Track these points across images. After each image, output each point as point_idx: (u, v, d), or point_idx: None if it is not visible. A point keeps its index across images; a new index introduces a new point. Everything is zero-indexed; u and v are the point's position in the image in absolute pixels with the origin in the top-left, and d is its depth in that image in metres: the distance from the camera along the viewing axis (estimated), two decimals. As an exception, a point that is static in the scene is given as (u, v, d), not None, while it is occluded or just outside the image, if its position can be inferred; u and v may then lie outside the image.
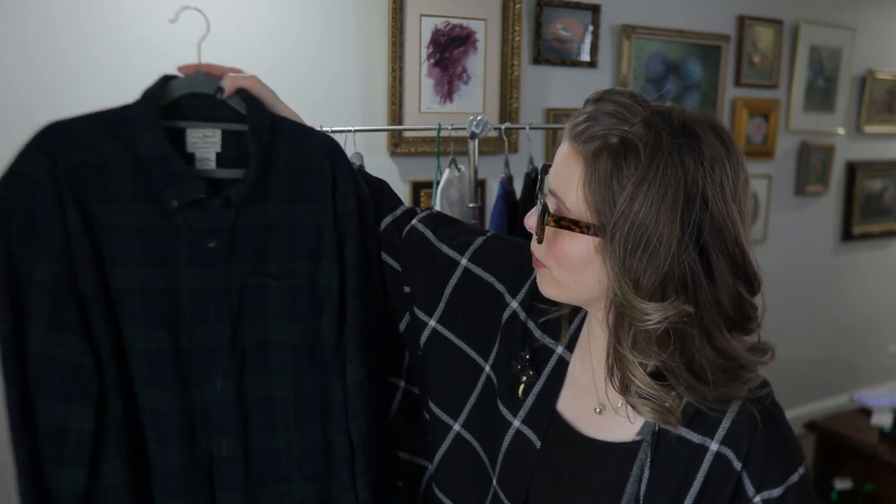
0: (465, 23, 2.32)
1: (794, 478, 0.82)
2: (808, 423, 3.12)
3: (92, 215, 0.94)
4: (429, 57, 2.27)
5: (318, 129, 1.08)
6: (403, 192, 2.31)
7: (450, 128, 1.85)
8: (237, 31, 2.00)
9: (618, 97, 0.80)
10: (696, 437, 0.84)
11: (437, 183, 1.85)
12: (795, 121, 3.24)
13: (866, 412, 3.09)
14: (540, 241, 0.83)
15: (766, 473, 0.82)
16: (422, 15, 2.23)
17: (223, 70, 1.02)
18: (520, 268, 1.00)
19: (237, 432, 1.00)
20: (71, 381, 0.92)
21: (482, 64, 2.37)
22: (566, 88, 2.59)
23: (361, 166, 1.72)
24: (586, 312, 0.94)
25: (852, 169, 3.49)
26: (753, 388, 0.83)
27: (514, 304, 0.99)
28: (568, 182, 0.81)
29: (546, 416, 0.92)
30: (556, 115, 2.55)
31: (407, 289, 1.06)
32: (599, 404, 0.90)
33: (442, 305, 1.03)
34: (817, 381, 3.59)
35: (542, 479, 0.91)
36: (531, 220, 0.86)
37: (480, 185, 2.33)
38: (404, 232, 1.07)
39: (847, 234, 3.54)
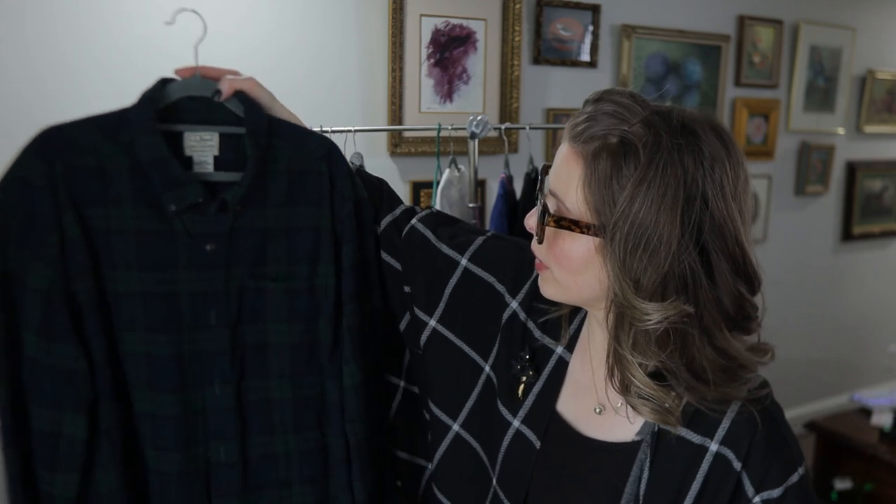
0: (465, 23, 2.31)
1: (794, 478, 0.82)
2: (808, 423, 3.11)
3: (91, 219, 0.94)
4: (429, 57, 2.27)
5: (318, 129, 1.09)
6: (403, 192, 2.30)
7: (450, 128, 1.85)
8: (237, 31, 2.00)
9: (617, 97, 0.80)
10: (695, 438, 0.84)
11: (437, 183, 1.85)
12: (795, 121, 3.24)
13: (866, 412, 3.09)
14: (540, 242, 0.83)
15: (766, 473, 0.82)
16: (422, 15, 2.23)
17: (220, 72, 1.02)
18: (520, 268, 1.00)
19: (236, 436, 1.00)
20: (64, 388, 0.92)
21: (482, 64, 2.37)
22: (566, 88, 2.58)
23: (361, 166, 1.72)
24: (586, 312, 0.94)
25: (852, 169, 3.49)
26: (753, 388, 0.83)
27: (514, 305, 0.98)
28: (568, 182, 0.81)
29: (546, 416, 0.92)
30: (556, 115, 2.55)
31: (407, 288, 1.06)
32: (599, 404, 0.90)
33: (442, 305, 1.03)
34: (817, 381, 3.59)
35: (541, 479, 0.91)
36: (531, 221, 0.86)
37: (480, 185, 2.33)
38: (404, 232, 1.07)
39: (847, 234, 3.54)
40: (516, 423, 0.94)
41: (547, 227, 0.82)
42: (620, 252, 0.77)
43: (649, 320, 0.77)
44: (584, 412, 0.91)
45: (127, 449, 0.97)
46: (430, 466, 1.08)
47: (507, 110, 2.42)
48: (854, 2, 3.33)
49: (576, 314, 0.96)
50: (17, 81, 1.78)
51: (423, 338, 1.04)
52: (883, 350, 3.61)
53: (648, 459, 0.84)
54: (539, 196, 0.85)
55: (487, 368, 1.00)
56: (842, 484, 2.94)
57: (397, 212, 1.09)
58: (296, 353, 1.02)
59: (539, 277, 0.90)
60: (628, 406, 0.84)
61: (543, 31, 2.48)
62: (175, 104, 1.00)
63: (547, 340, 0.96)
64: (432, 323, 1.03)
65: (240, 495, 1.01)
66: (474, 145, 1.85)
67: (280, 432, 1.02)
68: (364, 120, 2.22)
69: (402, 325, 1.09)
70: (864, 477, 2.90)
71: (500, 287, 1.00)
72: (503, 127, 1.95)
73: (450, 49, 2.30)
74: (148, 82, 0.99)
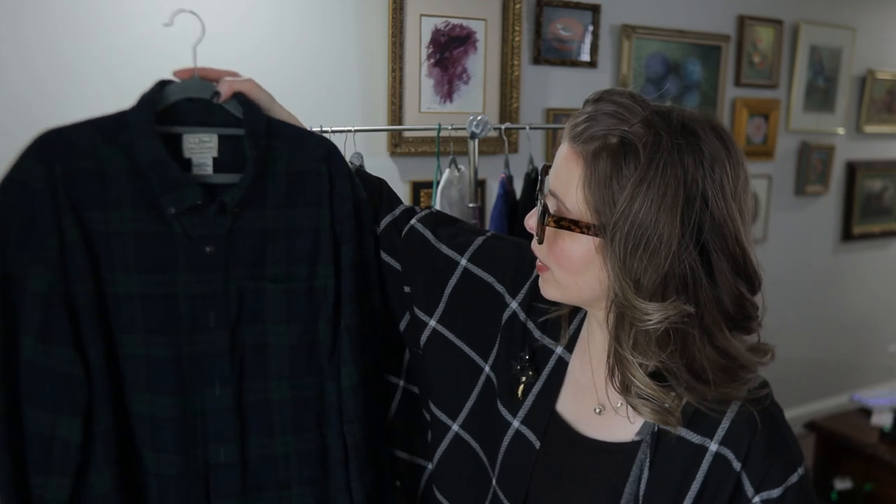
0: (465, 23, 2.32)
1: (794, 478, 0.82)
2: (808, 423, 3.11)
3: (90, 222, 0.94)
4: (429, 57, 2.27)
5: (318, 129, 1.08)
6: (403, 192, 2.30)
7: (450, 128, 1.85)
8: (237, 31, 2.00)
9: (617, 97, 0.80)
10: (695, 438, 0.84)
11: (437, 183, 1.85)
12: (795, 121, 3.24)
13: (866, 412, 3.09)
14: (540, 242, 0.83)
15: (766, 474, 0.82)
16: (422, 15, 2.23)
17: (219, 73, 1.02)
18: (519, 268, 1.00)
19: (235, 438, 1.00)
20: (60, 391, 0.92)
21: (482, 64, 2.37)
22: (566, 88, 2.58)
23: (361, 166, 1.72)
24: (586, 312, 0.94)
25: (852, 169, 3.49)
26: (753, 388, 0.83)
27: (514, 305, 0.98)
28: (568, 182, 0.81)
29: (545, 417, 0.92)
30: (556, 115, 2.55)
31: (407, 289, 1.06)
32: (599, 404, 0.90)
33: (442, 305, 1.03)
34: (817, 381, 3.59)
35: (541, 479, 0.91)
36: (531, 221, 0.86)
37: (480, 185, 2.33)
38: (403, 232, 1.07)
39: (847, 234, 3.54)
40: (516, 423, 0.94)
41: (547, 228, 0.82)
42: (620, 252, 0.77)
43: (650, 320, 0.77)
44: (583, 412, 0.91)
45: (123, 451, 0.97)
46: (429, 466, 1.08)
47: (507, 110, 2.42)
48: (854, 2, 3.33)
49: (575, 314, 0.96)
50: (17, 81, 1.78)
51: (423, 338, 1.04)
52: (883, 350, 3.61)
53: (648, 459, 0.84)
54: (539, 196, 0.85)
55: (487, 369, 1.00)
56: (842, 484, 2.94)
57: (397, 212, 1.09)
58: (295, 354, 1.02)
59: (540, 278, 0.90)
60: (628, 406, 0.84)
61: (543, 31, 2.48)
62: (174, 106, 1.00)
63: (546, 340, 0.96)
64: (432, 323, 1.03)
65: (239, 496, 1.01)
66: (474, 145, 1.85)
67: (279, 433, 1.02)
68: (364, 120, 2.22)
69: (402, 326, 1.09)
70: (864, 477, 2.90)
71: (499, 287, 1.00)
72: (503, 127, 1.95)
73: (450, 49, 2.30)
74: (148, 82, 0.99)
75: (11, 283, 0.92)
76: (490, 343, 1.00)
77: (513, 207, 1.92)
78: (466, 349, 1.01)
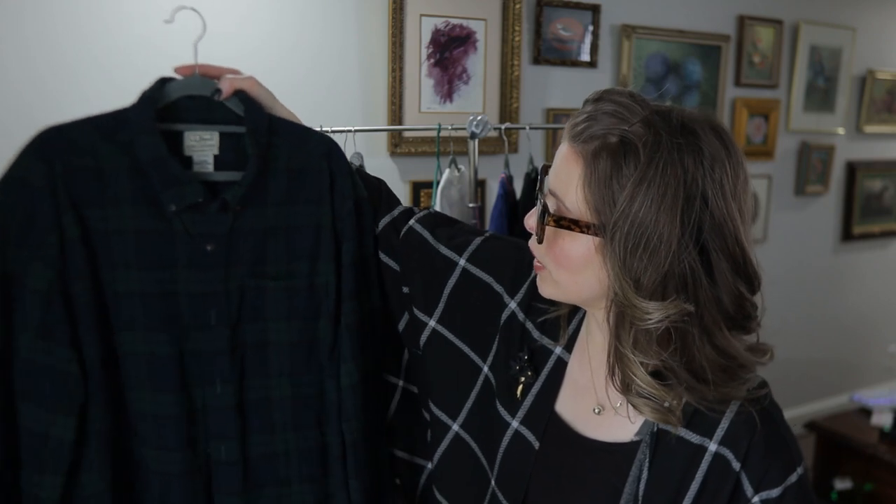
0: (465, 23, 2.32)
1: (793, 478, 0.82)
2: (808, 423, 3.11)
3: (90, 219, 0.93)
4: (429, 57, 2.27)
5: (319, 129, 1.08)
6: (403, 193, 2.30)
7: (450, 128, 1.85)
8: (237, 31, 2.00)
9: (617, 97, 0.80)
10: (694, 438, 0.84)
11: (437, 183, 1.85)
12: (795, 121, 3.24)
13: (866, 412, 3.09)
14: (540, 242, 0.83)
15: (765, 474, 0.82)
16: (422, 15, 2.23)
17: (220, 71, 1.02)
18: (518, 268, 1.00)
19: (236, 435, 1.00)
20: (57, 390, 0.92)
21: (482, 64, 2.37)
22: (566, 88, 2.58)
23: (361, 166, 1.73)
24: (585, 313, 0.94)
25: (852, 169, 3.49)
26: (752, 388, 0.83)
27: (513, 305, 0.98)
28: (567, 182, 0.81)
29: (544, 417, 0.92)
30: (556, 115, 2.55)
31: (405, 289, 1.06)
32: (598, 405, 0.90)
33: (441, 306, 1.03)
34: (817, 381, 3.59)
35: (540, 479, 0.91)
36: (531, 221, 0.86)
37: (480, 185, 2.33)
38: (402, 232, 1.07)
39: (847, 234, 3.54)
40: (515, 423, 0.94)
41: (547, 227, 0.82)
42: (620, 251, 0.77)
43: (650, 319, 0.77)
44: (582, 412, 0.91)
45: (120, 451, 0.96)
46: (428, 465, 1.08)
47: (507, 110, 2.42)
48: (854, 2, 3.33)
49: (574, 314, 0.96)
50: (17, 81, 1.78)
51: (423, 338, 1.04)
52: (883, 350, 3.61)
53: (647, 459, 0.84)
54: (539, 196, 0.85)
55: (486, 369, 1.00)
56: (842, 484, 2.94)
57: (395, 212, 1.09)
58: (296, 352, 1.02)
59: (537, 277, 0.90)
60: (629, 405, 0.84)
61: (543, 31, 2.48)
62: (174, 103, 1.00)
63: (545, 341, 0.96)
64: (432, 323, 1.03)
65: (240, 494, 1.01)
66: (474, 145, 1.86)
67: (280, 431, 1.02)
68: (364, 120, 2.22)
69: (401, 326, 1.09)
70: (864, 477, 2.90)
71: (498, 287, 1.00)
72: (503, 127, 1.95)
73: (450, 49, 2.30)
74: (148, 82, 0.99)
75: (11, 280, 0.91)
76: (489, 343, 1.00)
77: (513, 207, 1.92)
78: (466, 349, 1.01)
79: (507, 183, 1.91)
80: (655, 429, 0.85)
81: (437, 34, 2.27)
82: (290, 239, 1.01)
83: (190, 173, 0.99)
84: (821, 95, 3.30)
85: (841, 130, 3.40)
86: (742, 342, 0.82)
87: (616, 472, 0.86)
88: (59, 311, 0.91)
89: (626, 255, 0.76)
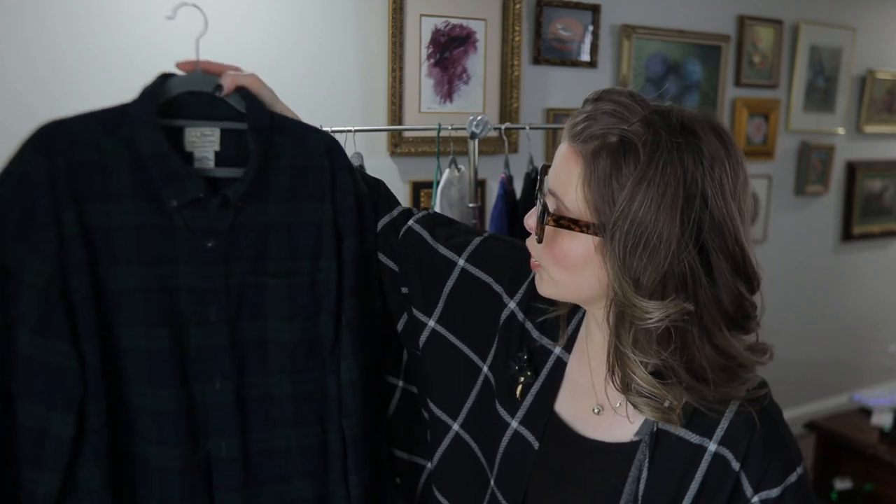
0: (465, 23, 2.32)
1: (793, 478, 0.82)
2: (808, 423, 3.11)
3: (91, 215, 0.93)
4: (429, 57, 2.27)
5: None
6: (403, 193, 2.31)
7: (450, 128, 1.85)
8: (237, 30, 2.00)
9: (616, 96, 0.80)
10: (694, 438, 0.84)
11: (437, 183, 1.85)
12: (795, 121, 3.24)
13: (866, 412, 3.09)
14: (539, 241, 0.83)
15: (765, 474, 0.82)
16: (422, 15, 2.23)
17: (222, 68, 1.02)
18: (517, 268, 1.00)
19: (236, 432, 1.00)
20: (56, 386, 0.91)
21: (482, 64, 2.37)
22: (566, 88, 2.58)
23: (361, 166, 1.72)
24: (584, 312, 0.94)
25: (852, 169, 3.49)
26: (752, 388, 0.83)
27: (512, 305, 0.98)
28: (567, 181, 0.81)
29: (544, 417, 0.92)
30: (556, 115, 2.55)
31: (404, 289, 1.06)
32: (598, 405, 0.90)
33: (441, 306, 1.03)
34: (817, 381, 3.59)
35: (540, 479, 0.91)
36: (531, 221, 0.86)
37: (480, 185, 2.33)
38: (401, 233, 1.07)
39: (847, 234, 3.54)
40: (514, 423, 0.94)
41: (546, 227, 0.82)
42: (620, 251, 0.77)
43: (650, 319, 0.77)
44: (582, 412, 0.91)
45: (119, 447, 0.96)
46: (428, 465, 1.08)
47: (507, 110, 2.42)
48: (854, 2, 3.33)
49: (574, 314, 0.96)
50: (17, 81, 1.78)
51: (423, 338, 1.04)
52: (883, 350, 3.61)
53: (647, 460, 0.84)
54: (538, 195, 0.85)
55: (485, 369, 1.00)
56: (842, 484, 2.94)
57: (394, 213, 1.09)
58: (296, 349, 1.01)
59: (536, 276, 0.90)
60: (629, 405, 0.84)
61: (543, 31, 2.48)
62: (176, 99, 0.99)
63: (545, 341, 0.96)
64: (431, 324, 1.03)
65: (240, 490, 1.01)
66: (474, 145, 1.86)
67: (280, 428, 1.02)
68: (364, 120, 2.22)
69: (400, 326, 1.09)
70: (864, 477, 2.90)
71: (497, 287, 1.00)
72: (503, 127, 1.95)
73: (450, 49, 2.30)
74: (148, 82, 0.99)
75: (9, 275, 0.91)
76: (488, 343, 1.00)
77: (513, 207, 1.92)
78: (465, 349, 1.01)
79: (507, 183, 1.91)
80: (655, 429, 0.85)
81: (437, 34, 2.27)
82: (293, 236, 1.01)
83: (191, 168, 0.99)
84: (821, 95, 3.30)
85: (841, 130, 3.40)
86: (742, 342, 0.82)
87: (615, 472, 0.86)
88: (57, 307, 0.91)
89: (625, 254, 0.76)
